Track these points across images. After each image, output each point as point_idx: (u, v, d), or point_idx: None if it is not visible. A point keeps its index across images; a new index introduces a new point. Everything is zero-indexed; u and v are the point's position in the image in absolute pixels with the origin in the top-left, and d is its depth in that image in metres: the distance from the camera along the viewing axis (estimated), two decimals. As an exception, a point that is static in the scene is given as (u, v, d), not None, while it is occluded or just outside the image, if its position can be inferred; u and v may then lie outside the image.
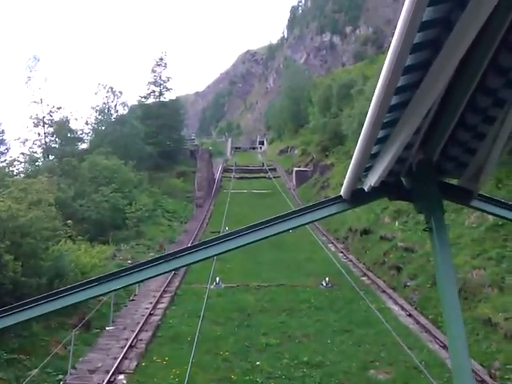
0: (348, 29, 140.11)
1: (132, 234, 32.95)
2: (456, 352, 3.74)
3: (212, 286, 25.73)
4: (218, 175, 65.49)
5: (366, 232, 31.75)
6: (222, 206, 46.92)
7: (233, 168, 71.43)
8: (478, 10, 2.50)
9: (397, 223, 28.65)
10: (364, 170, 4.10)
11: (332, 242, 35.58)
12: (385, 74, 2.84)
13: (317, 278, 26.93)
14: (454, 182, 4.65)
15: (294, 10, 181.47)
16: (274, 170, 70.03)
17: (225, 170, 70.78)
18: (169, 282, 26.50)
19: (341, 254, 32.15)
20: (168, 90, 60.97)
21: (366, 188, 4.27)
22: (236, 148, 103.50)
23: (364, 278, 26.78)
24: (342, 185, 4.52)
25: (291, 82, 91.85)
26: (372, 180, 4.07)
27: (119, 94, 50.39)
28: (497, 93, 3.48)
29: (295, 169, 61.25)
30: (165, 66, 61.53)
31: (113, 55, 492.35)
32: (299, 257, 31.80)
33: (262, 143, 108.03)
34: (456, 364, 3.71)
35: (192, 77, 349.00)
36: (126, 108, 51.43)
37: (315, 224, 41.39)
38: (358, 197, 4.35)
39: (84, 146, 50.77)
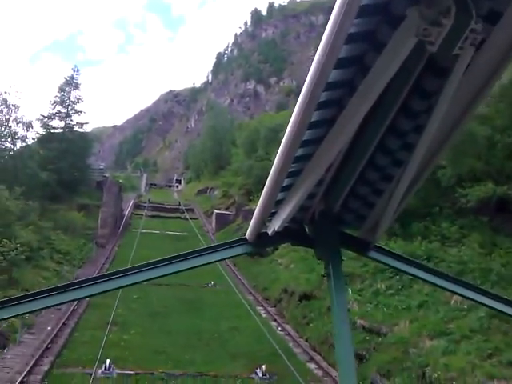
0: (272, 79, 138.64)
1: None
2: None
3: (100, 372, 17.03)
4: (127, 212, 56.14)
5: (306, 297, 24.27)
6: (129, 247, 38.05)
7: (146, 205, 62.38)
8: (378, 77, 2.67)
9: (350, 291, 21.59)
10: (269, 214, 4.03)
11: (261, 305, 27.79)
12: (291, 128, 2.89)
13: (248, 363, 18.97)
14: (354, 232, 4.49)
15: (219, 56, 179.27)
16: (192, 210, 61.83)
17: (136, 207, 61.51)
18: (36, 361, 17.30)
19: (274, 323, 24.34)
20: (77, 112, 51.42)
21: (269, 232, 4.16)
22: (152, 184, 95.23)
23: (312, 366, 19.04)
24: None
25: (215, 122, 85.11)
26: (276, 225, 4.03)
27: (14, 108, 40.30)
28: (394, 153, 3.57)
29: (216, 211, 53.37)
30: (76, 87, 52.24)
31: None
32: (222, 326, 23.69)
33: (179, 181, 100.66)
34: None
35: (111, 110, 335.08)
36: (22, 127, 41.11)
37: (241, 279, 33.58)
38: (262, 240, 4.24)
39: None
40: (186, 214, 57.20)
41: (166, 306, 26.32)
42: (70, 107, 51.33)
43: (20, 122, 40.51)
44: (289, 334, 22.66)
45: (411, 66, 2.80)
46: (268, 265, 33.41)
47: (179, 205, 64.12)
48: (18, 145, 40.74)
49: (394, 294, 20.60)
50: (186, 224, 51.77)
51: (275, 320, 24.67)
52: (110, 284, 3.97)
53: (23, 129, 40.96)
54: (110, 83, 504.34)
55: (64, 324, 21.14)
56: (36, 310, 4.05)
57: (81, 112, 51.89)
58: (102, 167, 58.67)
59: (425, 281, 4.74)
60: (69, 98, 51.62)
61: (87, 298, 21.39)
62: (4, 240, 25.06)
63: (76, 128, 51.38)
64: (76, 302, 23.90)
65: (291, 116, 2.84)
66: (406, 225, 23.86)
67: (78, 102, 51.88)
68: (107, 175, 55.29)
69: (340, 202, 4.16)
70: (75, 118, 51.42)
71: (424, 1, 2.29)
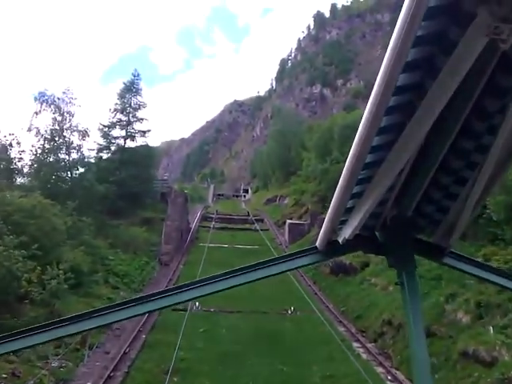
0: (339, 81, 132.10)
1: (39, 316, 18.99)
2: None
3: None
4: (194, 224, 51.75)
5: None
6: (195, 265, 33.19)
7: (213, 216, 57.90)
8: (449, 79, 2.56)
9: (491, 329, 15.22)
10: (339, 223, 3.97)
11: (357, 339, 21.74)
12: (361, 133, 2.83)
13: None
14: (428, 238, 4.31)
15: (283, 62, 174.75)
16: (261, 220, 56.67)
17: (204, 219, 57.13)
18: None
19: (381, 370, 18.27)
20: (139, 120, 47.66)
21: (340, 240, 4.08)
22: (219, 195, 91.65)
23: None
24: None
25: (282, 126, 79.76)
26: (346, 233, 3.95)
27: (68, 116, 36.65)
28: (469, 156, 3.47)
29: (288, 221, 47.76)
30: (137, 93, 48.54)
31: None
32: (313, 373, 17.90)
33: (246, 191, 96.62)
34: None
35: (178, 123, 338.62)
36: (78, 135, 37.32)
37: (325, 303, 27.72)
38: (333, 248, 4.15)
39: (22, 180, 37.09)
40: (255, 224, 52.04)
41: (238, 343, 20.93)
42: (131, 114, 47.78)
43: (75, 130, 36.64)
44: (405, 387, 16.54)
45: (483, 65, 2.68)
46: (358, 285, 27.39)
47: (248, 215, 59.29)
48: (74, 155, 36.89)
49: None
50: (257, 236, 46.53)
51: (381, 364, 18.55)
52: (177, 297, 4.04)
53: (79, 138, 37.16)
54: (177, 97, 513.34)
55: (110, 377, 16.10)
56: (117, 321, 4.08)
57: (143, 119, 48.21)
58: (166, 177, 54.51)
59: (507, 288, 4.21)
60: (130, 105, 48.07)
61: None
62: (46, 265, 20.65)
63: (138, 136, 47.64)
64: (127, 344, 19.13)
65: (361, 121, 2.75)
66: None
67: (139, 108, 48.23)
68: (172, 186, 51.02)
69: (412, 208, 4.06)
70: (137, 126, 47.85)
71: None
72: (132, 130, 47.68)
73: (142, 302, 4.04)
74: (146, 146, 48.73)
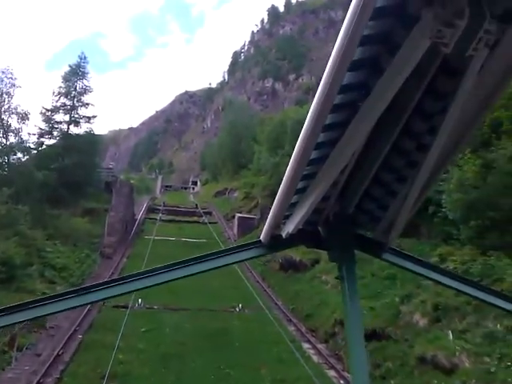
0: (291, 76, 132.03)
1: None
2: None
3: None
4: (140, 216, 49.78)
5: (376, 336, 17.40)
6: (140, 258, 31.43)
7: (160, 208, 56.04)
8: (392, 79, 2.58)
9: (451, 334, 14.71)
10: (283, 217, 4.01)
11: (308, 340, 20.97)
12: (305, 130, 2.85)
13: None
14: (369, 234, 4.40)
15: (236, 55, 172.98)
16: (210, 213, 55.38)
17: (150, 210, 55.17)
18: None
19: (333, 373, 17.43)
20: (84, 105, 44.99)
21: (284, 235, 4.06)
22: (167, 186, 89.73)
23: None
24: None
25: (234, 118, 78.41)
26: (290, 227, 3.97)
27: (7, 97, 33.78)
28: (409, 155, 3.54)
29: (238, 215, 46.70)
30: (83, 76, 45.89)
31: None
32: (262, 378, 16.85)
33: (195, 183, 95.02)
34: None
35: (127, 112, 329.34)
36: (17, 118, 34.58)
37: (274, 300, 26.89)
38: (276, 242, 4.17)
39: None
40: (204, 217, 50.70)
41: (183, 344, 19.67)
42: (75, 99, 45.10)
43: (14, 112, 33.99)
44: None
45: (425, 67, 2.76)
46: (309, 282, 26.66)
47: (196, 207, 57.81)
48: (12, 139, 34.21)
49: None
50: (205, 229, 45.22)
51: (333, 367, 17.81)
52: (118, 289, 3.93)
53: (18, 121, 34.52)
54: (126, 86, 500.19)
55: (39, 384, 14.41)
56: (53, 313, 3.91)
57: (88, 105, 45.62)
58: (111, 166, 51.80)
59: (444, 285, 4.36)
60: (75, 89, 45.37)
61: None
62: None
63: (83, 122, 45.09)
64: (61, 345, 17.52)
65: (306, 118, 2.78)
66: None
67: (85, 92, 45.61)
68: (118, 176, 48.71)
69: (354, 204, 4.11)
70: (82, 112, 45.25)
71: (438, 2, 2.19)
72: (76, 116, 45.07)
73: (81, 294, 3.85)
74: (91, 133, 46.20)
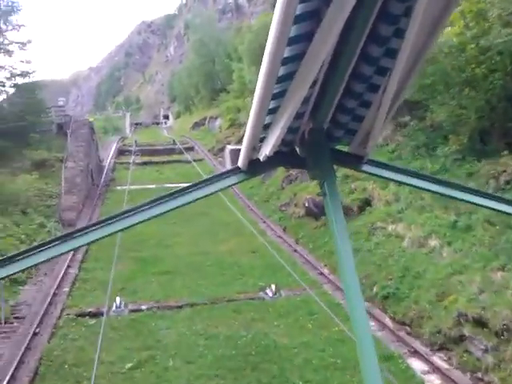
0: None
1: None
2: (357, 324, 2.74)
3: None
4: (108, 162, 39.76)
5: None
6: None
7: (132, 149, 45.80)
8: None
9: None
10: (259, 140, 3.53)
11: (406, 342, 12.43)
12: (270, 45, 2.50)
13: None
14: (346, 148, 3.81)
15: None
16: (192, 149, 45.67)
17: (121, 153, 45.09)
18: None
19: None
20: (14, 27, 33.42)
21: (261, 158, 3.56)
22: (136, 124, 79.17)
23: None
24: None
25: (202, 35, 66.26)
26: (267, 149, 3.48)
27: None
28: (378, 61, 3.15)
29: (229, 147, 36.92)
30: (13, 10, 34.07)
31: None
32: None
33: (166, 117, 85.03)
34: (359, 340, 2.68)
35: (84, 52, 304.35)
36: None
37: (315, 265, 18.03)
38: (254, 167, 3.66)
39: None
40: (186, 154, 40.91)
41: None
42: (1, 20, 33.48)
43: None
44: None
45: None
46: (366, 237, 17.58)
47: (174, 143, 47.78)
48: None
49: None
50: (191, 169, 35.53)
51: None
52: (109, 228, 3.38)
53: None
54: (78, 22, 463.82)
55: None
56: (42, 262, 3.25)
57: (20, 26, 34.03)
58: (61, 103, 40.61)
59: (426, 190, 4.03)
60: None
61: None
62: None
63: (17, 49, 33.69)
64: None
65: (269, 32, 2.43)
66: None
67: (13, 11, 33.95)
68: (70, 115, 37.66)
69: (329, 119, 3.70)
70: (12, 36, 33.79)
71: None
72: (7, 41, 33.61)
73: (67, 240, 3.15)
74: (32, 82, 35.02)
